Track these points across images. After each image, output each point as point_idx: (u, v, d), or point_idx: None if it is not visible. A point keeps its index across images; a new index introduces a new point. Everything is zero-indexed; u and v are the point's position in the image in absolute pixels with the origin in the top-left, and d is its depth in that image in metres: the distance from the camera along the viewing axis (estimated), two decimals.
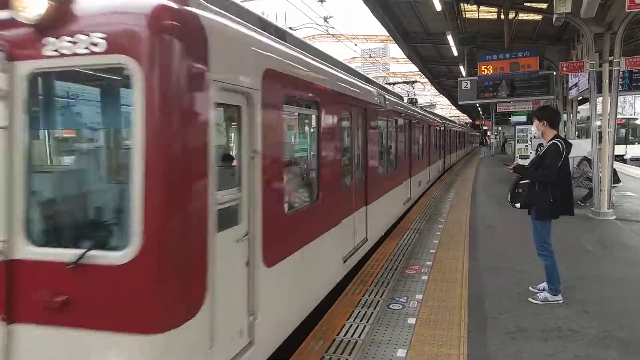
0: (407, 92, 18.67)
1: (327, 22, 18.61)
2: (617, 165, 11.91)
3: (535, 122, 5.29)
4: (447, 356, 3.90)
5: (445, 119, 27.78)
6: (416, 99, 17.37)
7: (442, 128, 20.79)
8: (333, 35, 21.70)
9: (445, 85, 30.36)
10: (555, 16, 8.46)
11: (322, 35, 23.60)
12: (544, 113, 5.28)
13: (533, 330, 4.40)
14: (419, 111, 14.46)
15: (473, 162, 30.60)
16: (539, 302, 5.05)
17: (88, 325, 2.53)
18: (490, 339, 4.24)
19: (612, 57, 9.72)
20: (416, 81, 21.92)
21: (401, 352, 3.99)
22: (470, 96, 14.00)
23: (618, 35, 9.38)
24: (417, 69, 24.10)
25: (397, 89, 16.74)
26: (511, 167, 5.39)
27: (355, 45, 25.93)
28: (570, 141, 5.58)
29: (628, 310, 4.82)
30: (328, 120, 5.31)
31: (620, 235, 8.27)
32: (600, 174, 9.95)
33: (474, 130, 63.04)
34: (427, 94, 47.58)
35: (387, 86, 13.39)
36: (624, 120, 30.09)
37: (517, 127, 26.13)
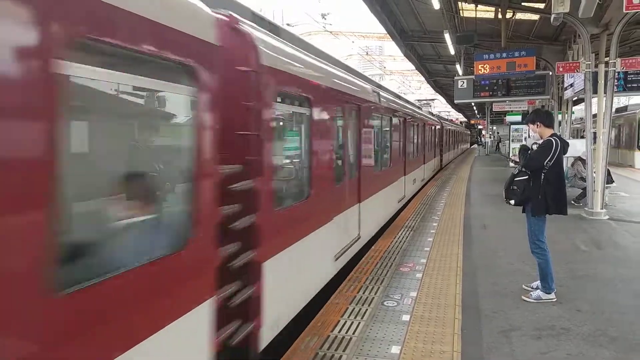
0: None
1: (325, 19, 18.59)
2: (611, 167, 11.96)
3: (531, 126, 5.41)
4: (440, 353, 3.91)
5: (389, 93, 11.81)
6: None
7: (382, 113, 8.93)
8: (331, 32, 21.67)
9: (442, 84, 30.44)
10: (553, 16, 8.47)
11: (320, 32, 23.56)
12: (536, 116, 5.42)
13: (526, 329, 4.41)
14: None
15: (467, 163, 30.66)
16: (533, 301, 5.07)
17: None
18: (484, 336, 4.25)
19: (608, 58, 9.77)
20: None
21: (395, 349, 3.99)
22: (466, 95, 14.05)
23: (614, 35, 9.42)
24: (414, 67, 24.09)
25: None
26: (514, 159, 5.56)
27: (353, 42, 25.93)
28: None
29: (620, 309, 4.85)
30: None
31: (613, 235, 8.32)
32: (594, 175, 10.00)
33: (459, 126, 44.30)
34: (423, 92, 47.72)
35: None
36: None
37: (512, 126, 26.25)
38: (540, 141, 5.29)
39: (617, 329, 4.36)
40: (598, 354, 3.89)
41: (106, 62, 2.33)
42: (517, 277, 5.84)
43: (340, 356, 3.87)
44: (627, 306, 4.93)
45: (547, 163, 4.92)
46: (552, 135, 5.11)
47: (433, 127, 19.25)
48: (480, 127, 55.48)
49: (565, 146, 5.03)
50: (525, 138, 21.75)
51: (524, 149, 5.43)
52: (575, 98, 14.84)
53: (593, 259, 6.76)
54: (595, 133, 10.39)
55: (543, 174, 4.95)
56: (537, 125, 5.24)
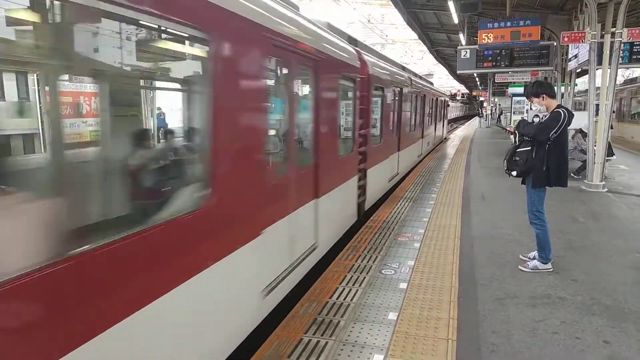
0: None
1: None
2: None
3: (535, 99, 5.20)
4: (437, 320, 3.98)
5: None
6: None
7: None
8: None
9: (444, 54, 29.94)
10: None
11: None
12: (540, 88, 5.21)
13: (522, 297, 4.48)
14: None
15: (466, 137, 30.53)
16: (529, 270, 5.13)
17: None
18: (480, 304, 4.32)
19: (614, 29, 9.57)
20: None
21: (392, 315, 4.06)
22: (469, 65, 13.82)
23: (622, 5, 9.20)
24: (416, 36, 23.64)
25: None
26: (510, 130, 5.50)
27: (354, 9, 25.36)
28: None
29: (615, 279, 4.92)
30: None
31: (611, 207, 8.36)
32: (595, 147, 9.96)
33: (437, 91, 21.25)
34: (425, 63, 47.02)
35: None
36: None
37: (514, 98, 25.96)
38: (541, 114, 5.22)
39: (611, 299, 4.43)
40: (592, 322, 3.97)
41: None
42: (514, 247, 5.90)
43: (339, 322, 3.95)
44: (621, 277, 4.99)
45: (552, 135, 4.86)
46: (559, 107, 5.02)
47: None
48: (482, 98, 55.04)
49: (571, 118, 4.96)
50: (526, 110, 21.54)
51: (522, 122, 5.36)
52: (579, 70, 14.61)
53: (590, 231, 6.81)
54: (597, 105, 10.28)
55: (547, 146, 4.90)
56: (543, 97, 5.12)
